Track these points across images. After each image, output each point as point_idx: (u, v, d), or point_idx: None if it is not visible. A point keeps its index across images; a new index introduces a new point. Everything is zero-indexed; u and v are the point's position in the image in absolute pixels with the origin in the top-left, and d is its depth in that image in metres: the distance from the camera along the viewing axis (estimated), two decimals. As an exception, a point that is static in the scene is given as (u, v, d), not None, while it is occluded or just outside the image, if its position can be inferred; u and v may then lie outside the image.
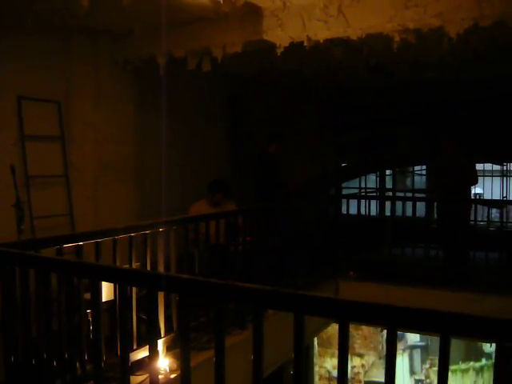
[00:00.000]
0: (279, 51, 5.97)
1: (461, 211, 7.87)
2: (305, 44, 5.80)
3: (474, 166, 8.49)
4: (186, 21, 6.34)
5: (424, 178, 14.03)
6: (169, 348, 4.44)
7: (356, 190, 12.74)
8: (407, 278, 7.55)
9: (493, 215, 9.62)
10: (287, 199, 8.33)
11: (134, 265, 4.22)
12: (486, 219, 8.68)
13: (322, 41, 5.73)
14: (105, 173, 7.19)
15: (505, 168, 12.08)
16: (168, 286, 2.59)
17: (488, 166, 13.19)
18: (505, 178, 11.76)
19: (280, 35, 5.81)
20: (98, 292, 2.71)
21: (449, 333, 2.11)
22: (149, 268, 4.24)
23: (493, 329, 2.00)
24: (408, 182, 14.37)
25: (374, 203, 9.04)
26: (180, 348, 2.66)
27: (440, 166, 8.25)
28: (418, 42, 5.74)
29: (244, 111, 10.17)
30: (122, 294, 2.75)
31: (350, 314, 2.19)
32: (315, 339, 11.04)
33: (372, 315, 2.18)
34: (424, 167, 13.51)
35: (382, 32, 5.41)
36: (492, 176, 13.36)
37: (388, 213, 9.02)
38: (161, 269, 4.38)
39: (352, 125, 11.48)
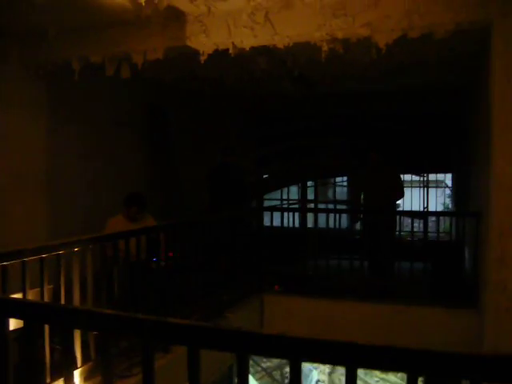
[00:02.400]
0: (203, 58, 5.73)
1: (388, 223, 7.90)
2: (230, 51, 5.59)
3: (400, 179, 8.59)
4: (105, 24, 5.99)
5: (345, 189, 14.12)
6: (86, 379, 4.06)
7: (277, 202, 12.62)
8: (332, 290, 7.45)
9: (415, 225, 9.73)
10: (209, 213, 8.06)
11: (47, 287, 3.82)
12: (408, 230, 8.75)
13: (247, 48, 5.53)
14: (14, 186, 6.66)
15: (424, 179, 12.32)
16: (85, 323, 2.26)
17: (407, 177, 13.48)
18: (425, 189, 11.98)
19: (204, 42, 5.57)
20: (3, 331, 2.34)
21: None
22: (63, 292, 3.86)
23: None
24: (330, 193, 14.44)
25: (297, 215, 8.90)
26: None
27: (366, 178, 8.31)
28: (345, 53, 5.67)
29: (165, 121, 9.82)
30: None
31: (248, 347, 1.94)
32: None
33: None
34: (345, 178, 13.60)
35: (310, 41, 5.28)
36: (411, 187, 13.63)
37: (311, 224, 8.93)
38: (76, 292, 4.00)
39: (274, 136, 11.36)
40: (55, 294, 3.91)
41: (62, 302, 3.89)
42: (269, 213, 8.14)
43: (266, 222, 8.33)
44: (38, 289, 3.77)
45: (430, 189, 12.21)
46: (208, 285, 6.50)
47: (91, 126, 8.07)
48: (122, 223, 6.43)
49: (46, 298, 3.78)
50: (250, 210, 8.74)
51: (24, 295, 3.60)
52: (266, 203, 12.32)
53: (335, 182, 13.81)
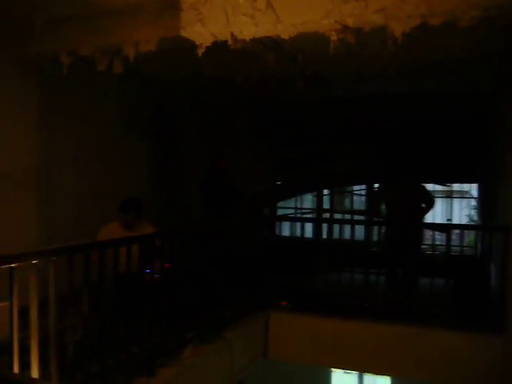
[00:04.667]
0: (200, 51, 5.17)
1: (413, 237, 7.27)
2: (229, 43, 5.01)
3: (427, 191, 7.94)
4: (94, 14, 5.47)
5: (363, 198, 13.46)
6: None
7: (291, 211, 12.02)
8: (344, 308, 6.82)
9: (436, 239, 9.09)
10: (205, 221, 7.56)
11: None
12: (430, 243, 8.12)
13: (248, 39, 4.96)
14: (1, 186, 6.17)
15: (448, 189, 11.65)
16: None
17: (430, 187, 12.77)
18: (449, 200, 11.29)
19: (200, 32, 4.99)
20: None
21: None
22: (15, 312, 3.31)
23: None
24: (347, 202, 13.78)
25: (309, 224, 8.31)
26: None
27: (390, 197, 7.69)
28: (358, 45, 5.08)
29: (172, 123, 9.32)
30: None
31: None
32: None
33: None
34: (364, 187, 12.94)
35: (318, 30, 4.68)
36: (435, 197, 12.92)
37: (325, 235, 8.31)
38: (33, 311, 3.44)
39: (288, 141, 10.79)
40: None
41: (15, 322, 3.34)
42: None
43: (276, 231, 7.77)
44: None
45: (454, 199, 11.52)
46: (206, 300, 5.95)
47: (90, 126, 7.61)
48: (118, 231, 5.93)
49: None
50: (257, 219, 8.17)
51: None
52: (280, 211, 11.76)
53: (353, 190, 13.16)
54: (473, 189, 14.06)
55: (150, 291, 4.97)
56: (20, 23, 5.81)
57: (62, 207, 7.05)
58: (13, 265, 3.29)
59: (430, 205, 7.69)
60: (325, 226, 8.33)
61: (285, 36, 4.84)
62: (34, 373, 3.48)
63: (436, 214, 12.07)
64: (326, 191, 12.20)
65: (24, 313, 3.46)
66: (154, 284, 5.15)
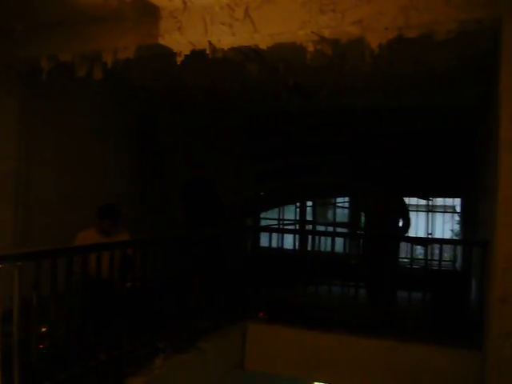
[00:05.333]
0: (179, 59, 5.18)
1: (391, 250, 7.26)
2: (207, 52, 5.02)
3: (406, 207, 7.92)
4: (74, 20, 5.50)
5: (346, 210, 13.45)
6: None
7: (273, 222, 11.97)
8: (323, 320, 6.77)
9: (417, 252, 9.08)
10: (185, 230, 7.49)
11: None
12: (409, 256, 8.10)
13: (226, 48, 4.97)
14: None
15: (430, 203, 11.66)
16: None
17: (413, 200, 12.78)
18: (430, 214, 11.30)
19: (179, 40, 5.01)
20: None
21: None
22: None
23: None
24: (329, 214, 13.74)
25: (289, 236, 8.28)
26: None
27: (368, 208, 7.68)
28: (338, 58, 5.11)
29: (155, 131, 9.28)
30: None
31: None
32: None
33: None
34: (346, 199, 12.93)
35: (294, 41, 4.70)
36: (417, 211, 12.92)
37: (307, 247, 8.30)
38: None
39: (272, 151, 10.76)
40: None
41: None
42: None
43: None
44: None
45: (437, 214, 11.53)
46: (181, 309, 5.90)
47: (72, 133, 7.53)
48: (94, 237, 5.88)
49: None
50: (239, 229, 8.11)
51: None
52: (263, 222, 11.72)
53: (335, 202, 13.12)
54: (457, 203, 14.11)
55: (121, 299, 4.92)
56: (0, 28, 5.79)
57: (39, 214, 6.97)
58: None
59: (407, 224, 7.68)
60: (307, 238, 8.33)
61: (262, 46, 4.87)
62: (-5, 380, 3.43)
63: (418, 228, 12.11)
64: (309, 203, 12.18)
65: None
66: (125, 292, 5.11)
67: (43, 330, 4.09)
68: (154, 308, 5.45)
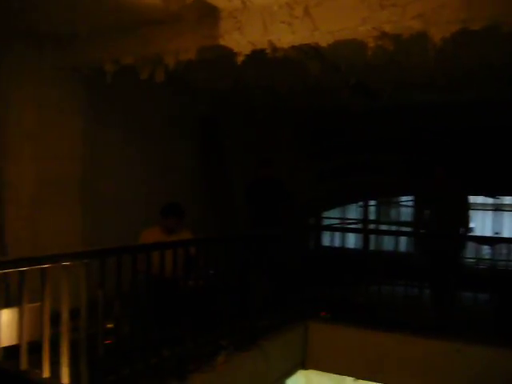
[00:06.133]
0: (240, 59, 5.19)
1: (455, 249, 7.08)
2: (267, 51, 5.03)
3: (467, 199, 7.70)
4: (136, 24, 5.59)
5: (410, 209, 13.21)
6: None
7: (335, 221, 11.87)
8: (386, 320, 6.69)
9: (483, 252, 8.82)
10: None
11: (29, 306, 3.36)
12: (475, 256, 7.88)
13: (286, 47, 4.96)
14: (46, 192, 6.37)
15: (498, 201, 11.29)
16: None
17: (479, 199, 12.39)
18: (497, 212, 10.93)
19: (239, 40, 5.02)
20: None
21: None
22: (47, 311, 3.38)
23: None
24: (393, 213, 13.54)
25: (351, 235, 8.19)
26: None
27: (432, 197, 7.48)
28: (400, 53, 5.03)
29: (217, 133, 9.39)
30: None
31: None
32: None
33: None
34: (410, 198, 12.71)
35: (355, 37, 4.64)
36: (483, 209, 12.51)
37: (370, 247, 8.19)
38: (65, 313, 3.52)
39: (333, 150, 10.68)
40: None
41: (46, 322, 3.42)
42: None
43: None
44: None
45: (505, 212, 11.14)
46: (243, 307, 5.94)
47: (137, 134, 7.72)
48: (158, 235, 6.04)
49: (27, 318, 3.32)
50: (301, 228, 8.10)
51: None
52: (325, 221, 11.65)
53: (399, 201, 12.92)
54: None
55: (186, 297, 5.00)
56: (65, 34, 5.97)
57: (104, 213, 7.16)
58: (45, 266, 3.37)
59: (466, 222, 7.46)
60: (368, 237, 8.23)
61: (323, 43, 4.82)
62: (64, 372, 3.55)
63: (485, 227, 11.74)
64: (372, 202, 12.05)
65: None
66: (189, 290, 5.19)
67: (109, 326, 4.21)
68: (216, 306, 5.50)
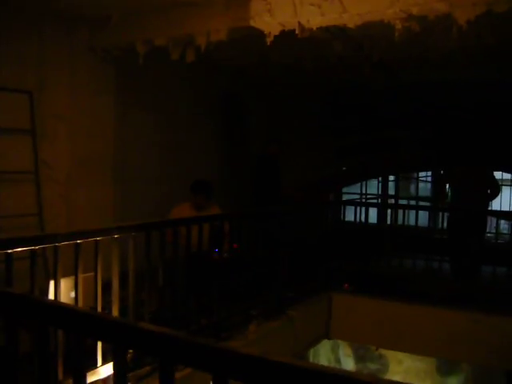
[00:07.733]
0: (269, 40, 5.36)
1: (479, 223, 7.25)
2: (296, 32, 5.18)
3: (492, 174, 7.86)
4: (167, 6, 5.76)
5: (429, 184, 13.36)
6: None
7: (355, 196, 12.06)
8: (406, 292, 6.93)
9: (501, 227, 9.00)
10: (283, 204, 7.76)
11: (82, 276, 3.62)
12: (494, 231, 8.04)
13: (315, 28, 5.12)
14: (80, 170, 6.62)
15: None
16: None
17: (498, 175, 12.46)
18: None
19: (269, 21, 5.19)
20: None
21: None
22: (99, 280, 3.65)
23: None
24: (412, 188, 13.70)
25: (373, 210, 8.38)
26: None
27: (458, 175, 7.63)
28: (424, 33, 5.15)
29: (240, 109, 9.59)
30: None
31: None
32: (311, 351, 10.42)
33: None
34: (429, 173, 12.85)
35: (383, 19, 4.79)
36: (502, 185, 12.61)
37: (389, 221, 8.38)
38: (115, 282, 3.78)
39: (353, 127, 10.82)
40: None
41: (99, 290, 3.69)
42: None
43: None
44: (73, 277, 3.58)
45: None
46: (271, 279, 6.19)
47: (164, 114, 7.98)
48: (188, 211, 6.25)
49: (81, 287, 3.59)
50: (323, 203, 8.32)
51: (55, 281, 3.43)
52: (345, 197, 11.85)
53: (418, 177, 13.07)
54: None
55: (219, 269, 5.25)
56: (98, 16, 6.16)
57: (134, 190, 7.43)
58: (97, 238, 3.63)
59: (496, 192, 7.60)
60: (389, 212, 8.43)
61: (351, 25, 4.97)
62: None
63: (504, 203, 11.84)
64: (391, 177, 12.19)
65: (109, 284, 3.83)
66: (222, 262, 5.44)
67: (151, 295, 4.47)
68: (247, 278, 5.75)
